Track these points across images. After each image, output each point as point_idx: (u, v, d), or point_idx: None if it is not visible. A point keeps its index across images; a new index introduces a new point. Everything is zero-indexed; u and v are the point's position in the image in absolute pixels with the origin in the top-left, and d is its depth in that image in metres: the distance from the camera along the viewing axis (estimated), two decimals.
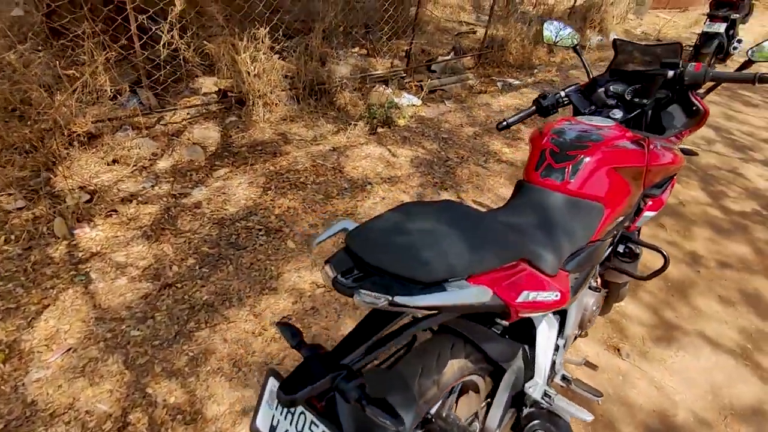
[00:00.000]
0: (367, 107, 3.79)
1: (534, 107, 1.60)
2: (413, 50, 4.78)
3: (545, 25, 1.97)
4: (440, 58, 4.96)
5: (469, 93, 4.48)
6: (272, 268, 2.15)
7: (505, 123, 1.59)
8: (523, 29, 5.43)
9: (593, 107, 1.59)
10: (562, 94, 1.59)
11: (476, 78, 4.88)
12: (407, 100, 4.13)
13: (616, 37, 1.65)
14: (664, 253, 1.44)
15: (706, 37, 5.19)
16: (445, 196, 2.83)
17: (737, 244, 2.77)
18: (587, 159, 1.22)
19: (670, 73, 1.45)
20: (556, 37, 1.90)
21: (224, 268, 2.10)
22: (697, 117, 1.56)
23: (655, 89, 1.49)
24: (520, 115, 1.60)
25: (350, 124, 3.46)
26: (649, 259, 2.11)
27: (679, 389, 1.82)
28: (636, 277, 1.54)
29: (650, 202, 1.54)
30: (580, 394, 1.44)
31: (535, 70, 5.32)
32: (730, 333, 2.13)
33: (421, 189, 2.86)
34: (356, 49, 4.89)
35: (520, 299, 0.94)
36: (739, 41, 5.60)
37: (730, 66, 6.31)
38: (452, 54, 5.23)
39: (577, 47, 1.81)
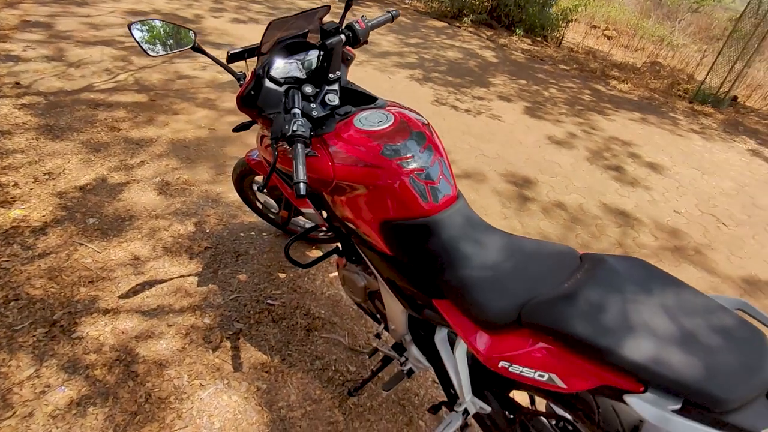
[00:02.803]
0: None
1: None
2: None
3: (134, 28, 1.31)
4: None
5: None
6: None
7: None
8: None
9: (311, 115, 1.21)
10: (296, 128, 1.02)
11: None
12: None
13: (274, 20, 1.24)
14: None
15: None
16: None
17: None
18: (441, 156, 1.15)
19: (343, 37, 1.30)
20: (159, 44, 1.34)
21: None
22: (349, 63, 1.45)
23: (339, 56, 1.30)
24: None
25: None
26: None
27: None
28: None
29: None
30: None
31: None
32: None
33: None
34: None
35: None
36: None
37: None
38: None
39: (196, 45, 1.35)
